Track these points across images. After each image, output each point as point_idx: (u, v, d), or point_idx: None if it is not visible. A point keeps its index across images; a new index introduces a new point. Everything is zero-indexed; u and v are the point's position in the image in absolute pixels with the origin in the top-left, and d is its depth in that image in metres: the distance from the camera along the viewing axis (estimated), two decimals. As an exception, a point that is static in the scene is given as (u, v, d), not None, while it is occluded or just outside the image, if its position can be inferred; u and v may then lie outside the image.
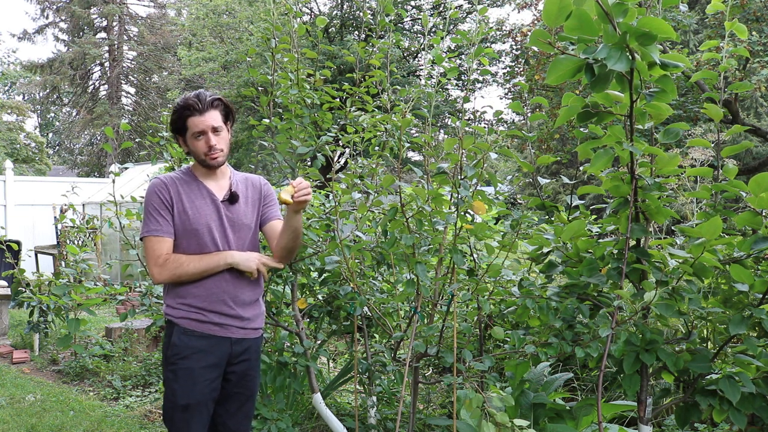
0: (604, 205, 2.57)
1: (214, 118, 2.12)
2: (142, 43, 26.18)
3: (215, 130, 2.12)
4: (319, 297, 3.52)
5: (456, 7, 17.21)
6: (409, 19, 18.12)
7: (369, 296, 3.03)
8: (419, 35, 18.36)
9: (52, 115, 36.06)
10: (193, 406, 2.10)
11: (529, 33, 11.53)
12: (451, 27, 16.68)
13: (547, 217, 2.81)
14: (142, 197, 2.42)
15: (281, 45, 2.95)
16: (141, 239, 2.16)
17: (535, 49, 10.68)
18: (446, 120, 17.87)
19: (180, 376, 2.10)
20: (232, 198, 2.20)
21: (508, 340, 2.66)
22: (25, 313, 7.25)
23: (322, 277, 3.34)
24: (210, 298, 2.13)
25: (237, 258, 2.14)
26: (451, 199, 2.56)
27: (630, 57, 1.80)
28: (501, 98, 24.46)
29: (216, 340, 2.14)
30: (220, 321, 2.14)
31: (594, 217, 2.95)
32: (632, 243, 2.29)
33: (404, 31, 17.98)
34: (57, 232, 9.32)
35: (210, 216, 2.15)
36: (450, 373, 2.69)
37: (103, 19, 26.11)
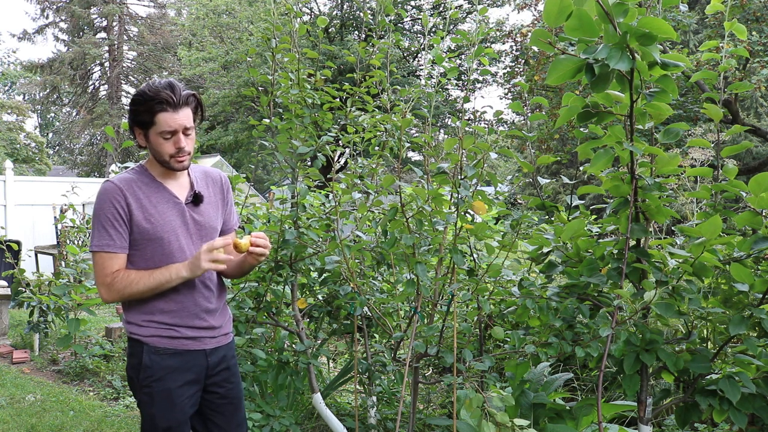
0: (604, 205, 2.58)
1: (187, 116, 1.89)
2: (142, 43, 26.20)
3: (186, 130, 1.90)
4: (319, 297, 3.52)
5: (456, 7, 17.21)
6: (409, 19, 18.12)
7: (369, 296, 3.03)
8: (419, 35, 18.37)
9: (52, 115, 36.08)
10: (175, 427, 1.97)
11: (529, 33, 11.53)
12: (451, 27, 16.69)
13: (547, 217, 2.81)
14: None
15: (281, 45, 2.95)
16: (90, 252, 1.93)
17: (535, 49, 10.70)
18: (446, 120, 17.89)
19: (157, 399, 1.94)
20: (196, 199, 2.01)
21: (508, 340, 2.66)
22: (25, 313, 7.25)
23: (322, 277, 3.34)
24: (182, 313, 1.97)
25: (189, 271, 1.91)
26: (451, 199, 2.56)
27: (630, 57, 1.80)
28: (501, 98, 24.48)
29: (191, 355, 1.99)
30: (193, 335, 2.00)
31: (594, 217, 2.95)
32: (632, 243, 2.29)
33: (404, 31, 18.00)
34: (57, 232, 9.32)
35: (175, 222, 1.96)
36: (450, 373, 2.69)
37: (103, 19, 26.13)
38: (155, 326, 1.96)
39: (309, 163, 3.25)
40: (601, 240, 2.49)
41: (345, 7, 17.88)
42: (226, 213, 2.15)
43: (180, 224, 1.97)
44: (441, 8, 16.80)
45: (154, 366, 1.95)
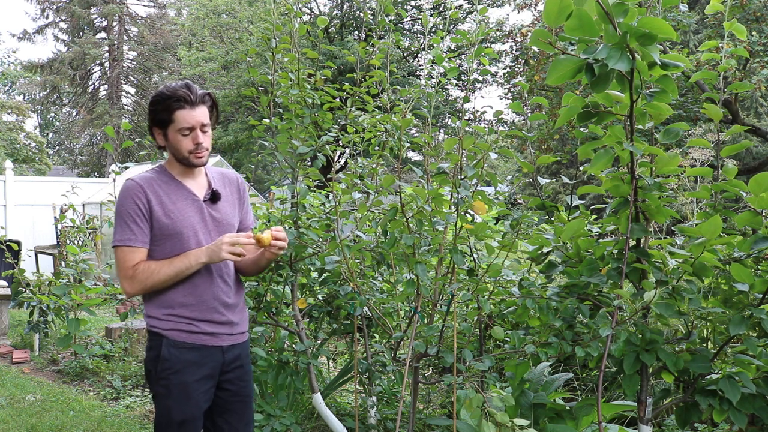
0: (604, 205, 2.58)
1: (203, 113, 1.98)
2: (142, 43, 26.19)
3: (203, 127, 1.98)
4: (319, 297, 3.52)
5: (456, 7, 17.21)
6: (409, 19, 18.13)
7: (369, 296, 3.03)
8: (419, 35, 18.37)
9: (52, 115, 36.06)
10: (189, 421, 2.01)
11: (529, 33, 11.53)
12: (451, 27, 16.69)
13: (547, 217, 2.81)
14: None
15: (281, 45, 2.95)
16: (113, 247, 2.00)
17: (535, 49, 10.70)
18: (446, 120, 17.89)
19: (173, 391, 1.99)
20: (214, 197, 2.08)
21: (508, 340, 2.66)
22: (25, 313, 7.25)
23: (322, 277, 3.34)
24: (201, 307, 2.02)
25: (207, 256, 1.97)
26: (451, 199, 2.56)
27: (630, 57, 1.80)
28: (501, 98, 24.49)
29: (208, 350, 2.04)
30: (211, 330, 2.04)
31: (594, 217, 2.95)
32: (632, 243, 2.29)
33: (404, 31, 17.99)
34: (57, 232, 9.32)
35: (194, 218, 2.03)
36: (450, 373, 2.69)
37: (103, 19, 26.12)
38: (175, 320, 2.01)
39: (309, 163, 3.25)
40: (601, 240, 2.49)
41: (345, 7, 17.88)
42: (242, 212, 2.22)
43: (198, 220, 2.04)
44: (441, 8, 16.80)
45: (173, 359, 1.99)
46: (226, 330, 2.09)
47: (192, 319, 2.02)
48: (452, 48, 13.26)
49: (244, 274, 2.25)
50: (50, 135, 36.61)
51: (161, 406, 2.02)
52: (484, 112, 17.89)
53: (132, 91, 27.57)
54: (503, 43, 16.10)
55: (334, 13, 17.95)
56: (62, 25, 26.62)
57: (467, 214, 2.53)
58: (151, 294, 2.02)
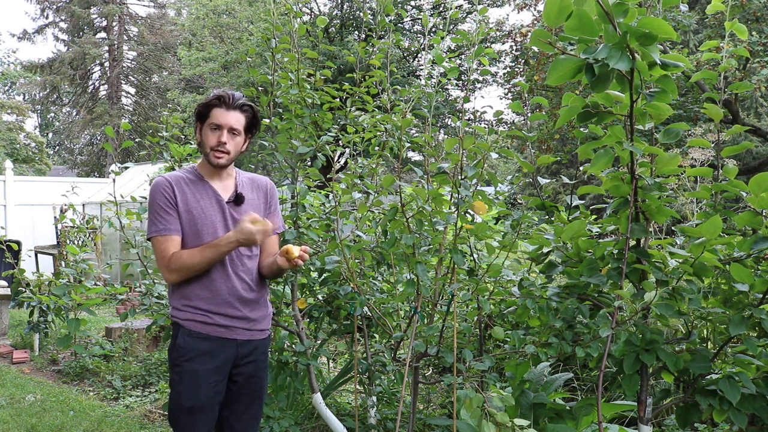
0: (604, 205, 2.58)
1: (236, 119, 2.11)
2: (142, 43, 26.19)
3: (232, 130, 2.11)
4: (319, 297, 3.52)
5: (456, 7, 17.20)
6: (409, 19, 18.12)
7: (369, 296, 3.03)
8: (419, 35, 18.36)
9: (52, 115, 36.03)
10: (198, 408, 2.08)
11: (529, 33, 11.53)
12: (451, 27, 16.68)
13: (547, 217, 2.81)
14: (143, 197, 2.39)
15: (281, 45, 2.95)
16: (148, 239, 2.11)
17: (535, 49, 10.69)
18: (446, 120, 17.88)
19: (185, 378, 2.08)
20: (237, 199, 2.17)
21: (508, 340, 2.66)
22: (25, 313, 7.25)
23: (322, 277, 3.34)
24: (216, 300, 2.10)
25: (238, 241, 2.02)
26: (451, 199, 2.56)
27: (630, 57, 1.80)
28: (501, 98, 24.47)
29: (221, 342, 2.11)
30: (225, 323, 2.12)
31: (594, 217, 2.95)
32: (632, 243, 2.29)
33: (404, 31, 17.98)
34: (57, 232, 9.33)
35: (215, 217, 2.12)
36: (450, 373, 2.69)
37: (103, 19, 26.12)
38: (191, 311, 2.11)
39: (309, 163, 3.25)
40: (601, 240, 2.49)
41: (345, 7, 17.87)
42: (269, 216, 2.29)
43: (220, 219, 2.13)
44: (441, 8, 16.80)
45: (186, 347, 2.09)
46: (241, 324, 2.15)
47: (207, 311, 2.10)
48: (452, 48, 13.25)
49: (261, 275, 2.30)
50: (50, 135, 36.57)
51: (173, 393, 2.11)
52: (484, 112, 17.87)
53: (132, 91, 27.57)
54: (503, 43, 16.08)
55: (334, 13, 17.94)
56: (62, 25, 26.60)
57: (467, 214, 2.53)
58: (173, 287, 2.14)
